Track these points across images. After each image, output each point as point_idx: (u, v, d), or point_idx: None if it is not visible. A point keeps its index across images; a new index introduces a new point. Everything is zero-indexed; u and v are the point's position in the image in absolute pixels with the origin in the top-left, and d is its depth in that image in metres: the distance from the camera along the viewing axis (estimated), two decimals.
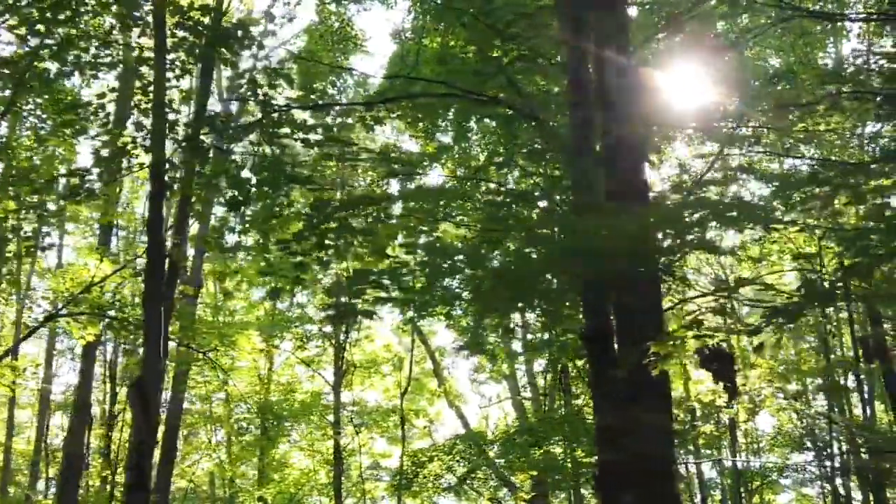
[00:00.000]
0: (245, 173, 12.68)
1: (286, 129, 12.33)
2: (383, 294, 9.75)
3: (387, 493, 33.36)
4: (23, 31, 13.85)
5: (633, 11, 18.34)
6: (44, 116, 17.72)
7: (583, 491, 25.82)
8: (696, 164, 17.69)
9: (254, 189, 12.17)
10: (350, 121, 13.69)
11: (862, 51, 17.61)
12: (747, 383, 24.94)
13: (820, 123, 16.97)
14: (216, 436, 35.55)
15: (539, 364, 30.65)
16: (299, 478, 34.67)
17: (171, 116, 13.56)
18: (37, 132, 18.05)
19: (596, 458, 12.12)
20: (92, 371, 23.35)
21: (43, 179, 15.23)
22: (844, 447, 23.68)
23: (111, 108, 15.73)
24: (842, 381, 28.23)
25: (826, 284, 7.58)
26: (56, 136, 16.64)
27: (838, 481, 24.64)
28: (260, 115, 12.65)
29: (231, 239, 14.18)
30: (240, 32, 13.66)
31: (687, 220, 8.49)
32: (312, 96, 13.21)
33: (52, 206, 16.41)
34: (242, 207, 12.42)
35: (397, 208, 13.18)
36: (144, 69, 13.76)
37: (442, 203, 14.54)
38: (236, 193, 12.32)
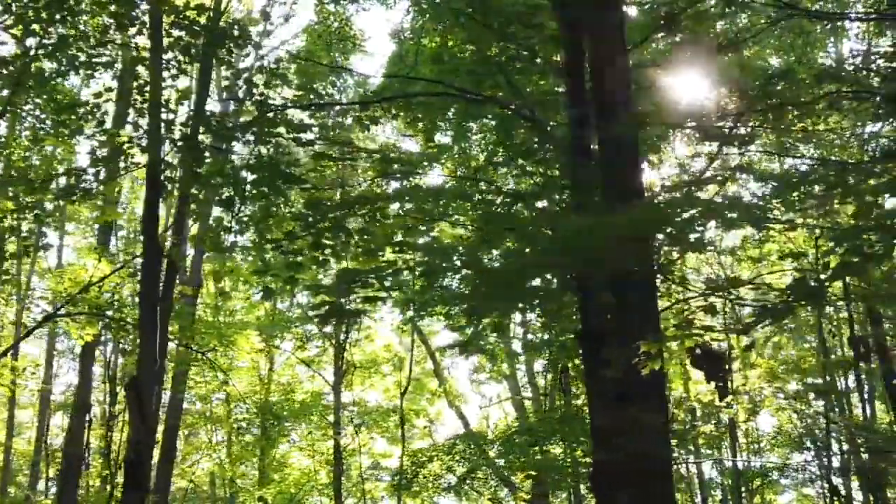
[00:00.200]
0: (243, 173, 12.68)
1: (281, 129, 12.31)
2: (371, 293, 9.72)
3: (387, 494, 33.34)
4: (18, 30, 13.84)
5: (632, 11, 18.35)
6: (42, 116, 17.72)
7: (583, 491, 25.79)
8: (696, 163, 17.69)
9: (249, 188, 12.14)
10: (346, 120, 13.68)
11: (860, 50, 17.58)
12: (747, 383, 24.90)
13: (819, 123, 16.96)
14: (216, 436, 35.55)
15: (540, 364, 30.63)
16: (300, 478, 34.67)
17: (168, 116, 13.54)
18: (36, 132, 18.06)
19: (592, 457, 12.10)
20: (91, 371, 23.36)
21: (40, 179, 15.23)
22: (845, 447, 23.64)
23: (109, 107, 15.74)
24: (842, 381, 28.24)
25: (813, 283, 7.54)
26: (52, 135, 16.63)
27: (838, 481, 24.60)
28: (256, 115, 12.62)
29: (229, 239, 14.15)
30: (236, 32, 13.63)
31: (677, 219, 8.47)
32: (308, 95, 13.13)
33: (49, 206, 16.41)
34: (238, 207, 12.40)
35: (396, 208, 13.21)
36: (140, 69, 13.75)
37: (442, 203, 14.56)
38: (232, 193, 12.31)
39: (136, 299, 19.94)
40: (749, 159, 18.43)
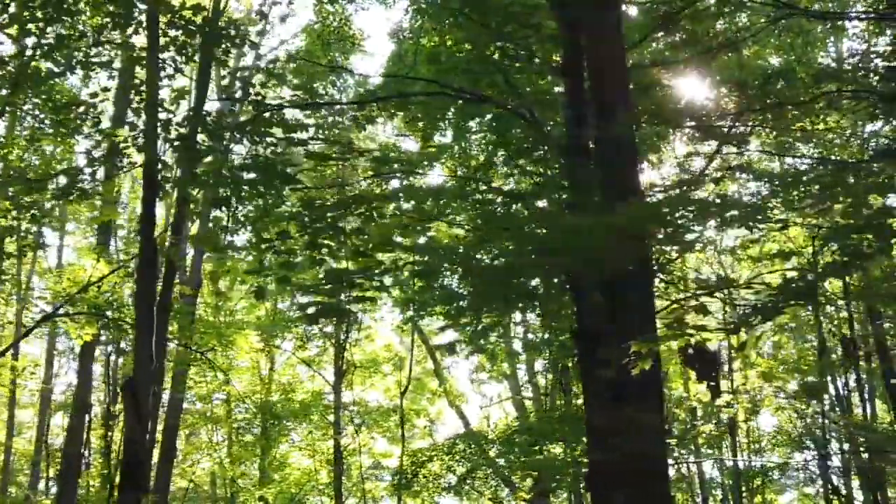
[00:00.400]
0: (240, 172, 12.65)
1: (276, 129, 12.29)
2: (360, 293, 9.70)
3: (387, 494, 33.35)
4: (15, 30, 13.83)
5: (632, 11, 18.32)
6: (41, 116, 17.72)
7: (583, 491, 25.77)
8: (695, 163, 17.67)
9: (245, 188, 12.13)
10: (344, 120, 13.67)
11: (859, 50, 17.56)
12: (747, 383, 24.89)
13: (818, 123, 16.95)
14: (217, 436, 35.55)
15: (540, 363, 30.63)
16: (300, 478, 34.69)
17: (165, 116, 13.53)
18: (34, 131, 18.05)
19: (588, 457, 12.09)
20: (91, 371, 23.37)
21: (36, 179, 15.23)
22: (845, 446, 23.63)
23: (107, 107, 15.74)
24: (841, 381, 28.19)
25: (802, 283, 7.52)
26: (51, 135, 16.63)
27: (836, 480, 24.59)
28: (252, 115, 12.61)
29: (227, 238, 14.15)
30: (232, 32, 13.62)
31: (669, 218, 8.46)
32: (305, 95, 13.12)
33: (47, 206, 16.41)
34: (235, 207, 12.39)
35: (393, 208, 13.19)
36: (137, 68, 13.76)
37: (442, 202, 14.54)
38: (228, 192, 12.30)
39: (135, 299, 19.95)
40: (748, 159, 18.43)
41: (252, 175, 12.28)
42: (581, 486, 24.10)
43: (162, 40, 13.68)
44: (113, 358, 27.58)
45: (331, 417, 32.07)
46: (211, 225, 24.17)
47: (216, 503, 36.78)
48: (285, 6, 26.43)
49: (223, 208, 12.35)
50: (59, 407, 34.34)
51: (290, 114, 13.13)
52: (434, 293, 12.30)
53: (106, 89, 14.39)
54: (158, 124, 13.25)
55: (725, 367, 28.04)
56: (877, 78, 15.04)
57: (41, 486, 33.29)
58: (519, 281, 10.78)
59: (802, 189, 9.70)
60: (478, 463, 25.98)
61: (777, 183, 10.66)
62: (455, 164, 21.37)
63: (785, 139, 17.89)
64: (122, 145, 13.83)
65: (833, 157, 18.37)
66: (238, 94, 13.61)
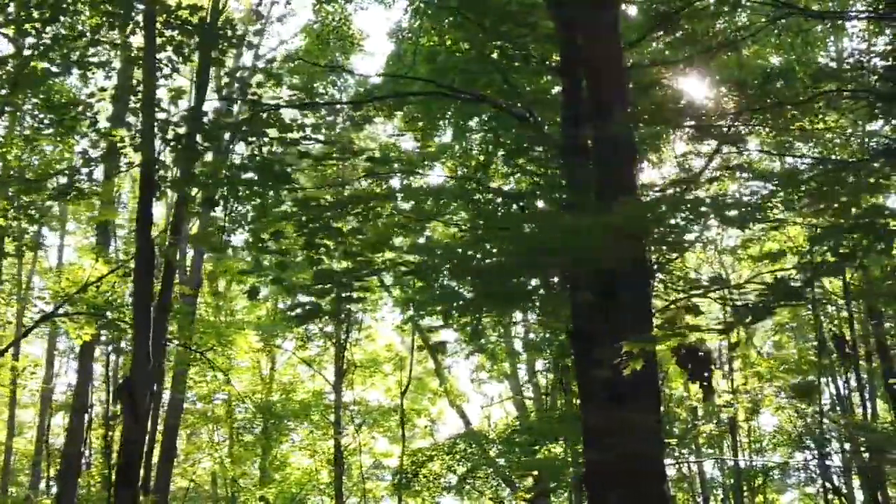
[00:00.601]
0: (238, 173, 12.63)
1: (273, 129, 12.27)
2: (350, 293, 9.70)
3: (387, 493, 33.35)
4: (11, 30, 13.83)
5: (632, 10, 18.30)
6: (41, 116, 17.72)
7: (584, 490, 25.74)
8: (695, 162, 17.66)
9: (242, 188, 12.12)
10: (340, 120, 13.65)
11: (858, 49, 17.53)
12: (747, 382, 24.89)
13: (817, 122, 16.93)
14: (217, 435, 35.57)
15: (541, 363, 30.62)
16: (301, 477, 34.69)
17: (162, 116, 13.51)
18: (33, 131, 18.04)
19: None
20: (90, 371, 23.39)
21: (35, 178, 15.23)
22: (846, 446, 23.61)
23: (104, 107, 15.71)
24: (842, 381, 28.16)
25: (792, 283, 7.52)
26: (49, 135, 16.62)
27: (837, 480, 24.58)
28: (249, 115, 12.60)
29: (224, 238, 14.14)
30: (229, 32, 13.61)
31: (660, 218, 8.45)
32: (302, 95, 13.12)
33: (51, 206, 16.41)
34: (231, 207, 12.39)
35: (392, 207, 13.19)
36: (135, 68, 13.76)
37: (441, 202, 14.54)
38: (225, 192, 12.30)
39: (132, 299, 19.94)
40: (748, 158, 18.42)
41: (249, 175, 12.28)
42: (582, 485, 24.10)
43: (159, 40, 13.66)
44: (113, 358, 27.61)
45: (331, 417, 32.07)
46: (210, 224, 24.21)
47: (217, 503, 36.79)
48: (283, 6, 26.53)
49: (219, 208, 12.33)
50: (59, 407, 34.34)
51: (291, 114, 13.15)
52: (434, 293, 12.28)
53: (103, 89, 14.37)
54: (155, 124, 13.22)
55: (726, 367, 28.10)
56: (875, 77, 15.04)
57: (42, 486, 33.29)
58: (519, 281, 10.77)
59: (802, 189, 9.69)
60: (478, 463, 25.99)
61: (776, 182, 10.63)
62: (455, 163, 21.36)
63: (784, 139, 17.88)
64: (119, 145, 13.80)
65: (833, 157, 18.34)
66: (235, 95, 13.54)
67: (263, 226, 12.23)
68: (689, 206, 8.88)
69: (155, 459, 24.85)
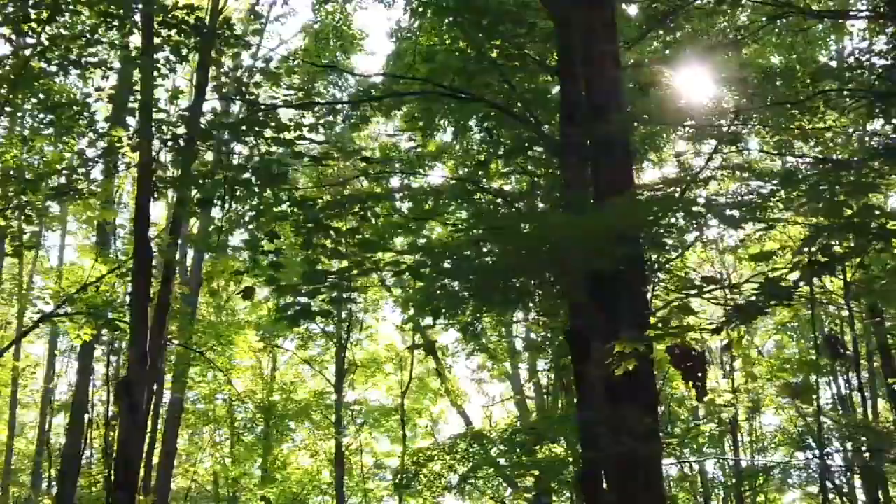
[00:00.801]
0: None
1: (266, 128, 12.26)
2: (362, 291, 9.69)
3: (388, 493, 33.36)
4: (8, 30, 13.82)
5: (632, 10, 18.28)
6: (41, 117, 17.72)
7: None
8: (695, 161, 17.64)
9: (239, 188, 12.11)
10: (336, 120, 13.64)
11: (858, 49, 17.49)
12: (754, 382, 24.87)
13: (817, 122, 16.91)
14: (219, 435, 35.58)
15: (543, 363, 30.61)
16: (302, 477, 34.69)
17: (160, 116, 13.50)
18: (33, 131, 18.06)
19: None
20: (90, 371, 23.38)
21: (34, 177, 15.20)
22: (847, 445, 23.58)
23: (102, 107, 15.72)
24: (844, 380, 28.16)
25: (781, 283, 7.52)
26: (48, 135, 16.63)
27: (838, 480, 24.53)
28: (245, 115, 12.60)
29: (221, 238, 14.14)
30: (227, 32, 13.60)
31: (651, 218, 8.43)
32: (299, 94, 13.11)
33: (52, 205, 16.39)
34: (228, 207, 12.37)
35: (392, 207, 13.18)
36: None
37: (441, 202, 14.53)
38: (222, 192, 12.28)
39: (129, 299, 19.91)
40: (747, 158, 18.41)
41: (245, 175, 12.26)
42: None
43: (157, 40, 13.66)
44: (114, 358, 27.61)
45: (332, 417, 32.07)
46: (209, 225, 24.19)
47: (219, 503, 36.80)
48: (280, 6, 26.56)
49: (217, 208, 12.32)
50: (60, 407, 34.37)
51: (290, 114, 13.14)
52: (434, 292, 12.25)
53: (100, 89, 14.38)
54: (153, 125, 13.21)
55: (727, 367, 28.08)
56: (874, 77, 15.03)
57: (44, 486, 33.32)
58: (519, 281, 10.75)
59: (801, 189, 9.66)
60: (479, 462, 25.95)
61: (775, 182, 10.60)
62: (456, 163, 21.35)
63: (783, 138, 17.86)
64: (117, 145, 13.80)
65: (834, 157, 18.30)
66: (232, 94, 13.53)
67: (261, 226, 12.22)
68: (681, 205, 8.86)
69: (155, 459, 24.87)
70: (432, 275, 10.44)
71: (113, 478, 13.12)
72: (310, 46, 25.67)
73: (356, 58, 29.92)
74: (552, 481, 24.15)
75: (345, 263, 10.49)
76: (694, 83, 17.23)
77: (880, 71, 15.00)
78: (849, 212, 7.43)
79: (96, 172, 15.02)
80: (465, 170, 20.18)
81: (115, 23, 13.79)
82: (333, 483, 31.76)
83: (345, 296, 10.27)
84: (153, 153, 13.45)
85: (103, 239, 23.88)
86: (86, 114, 14.17)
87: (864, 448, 22.12)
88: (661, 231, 8.96)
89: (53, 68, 14.28)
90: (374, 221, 12.05)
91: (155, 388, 21.57)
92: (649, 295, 11.03)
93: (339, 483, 30.80)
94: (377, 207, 12.17)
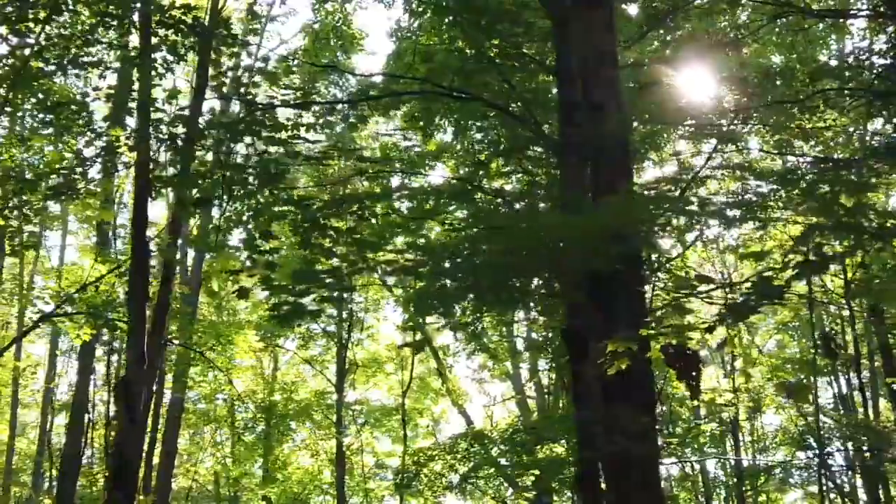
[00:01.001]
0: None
1: (263, 128, 12.24)
2: (326, 294, 9.68)
3: (389, 493, 33.35)
4: (5, 29, 13.81)
5: (632, 9, 18.27)
6: (41, 116, 17.71)
7: None
8: (698, 161, 17.61)
9: (236, 187, 12.11)
10: (334, 119, 13.62)
11: (858, 48, 17.48)
12: (748, 382, 24.84)
13: (818, 121, 16.89)
14: (220, 435, 35.59)
15: (544, 362, 30.61)
16: (303, 477, 34.70)
17: (158, 116, 13.49)
18: (33, 131, 18.05)
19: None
20: (90, 370, 23.39)
21: (35, 177, 15.20)
22: (848, 445, 23.56)
23: (100, 106, 15.71)
24: (845, 379, 28.15)
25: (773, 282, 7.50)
26: (42, 135, 16.62)
27: (839, 479, 24.54)
28: (242, 115, 12.60)
29: (219, 238, 14.11)
30: (224, 31, 13.59)
31: (644, 217, 8.42)
32: (297, 94, 13.09)
33: (52, 205, 16.38)
34: (225, 206, 12.36)
35: (395, 206, 13.17)
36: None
37: (442, 201, 14.50)
38: (221, 191, 12.28)
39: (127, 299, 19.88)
40: (747, 157, 18.38)
41: (244, 175, 12.25)
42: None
43: (154, 40, 13.65)
44: (115, 357, 27.62)
45: (333, 417, 32.08)
46: (202, 224, 24.22)
47: (220, 503, 36.82)
48: (278, 6, 26.56)
49: (213, 208, 12.33)
50: (61, 407, 34.41)
51: (289, 113, 13.12)
52: (432, 291, 12.23)
53: (97, 88, 14.38)
54: (150, 124, 13.21)
55: (728, 367, 28.08)
56: (873, 76, 15.01)
57: (46, 485, 33.34)
58: (519, 280, 10.74)
59: (797, 188, 9.64)
60: (480, 462, 25.94)
61: (772, 181, 10.58)
62: (457, 162, 21.34)
63: (784, 137, 17.84)
64: (115, 145, 13.79)
65: (834, 157, 18.29)
66: (230, 94, 13.52)
67: (259, 225, 12.21)
68: (674, 204, 8.85)
69: (156, 459, 24.88)
70: (428, 274, 10.43)
71: (109, 478, 13.10)
72: (310, 46, 25.65)
73: (357, 58, 29.99)
74: (553, 481, 24.15)
75: (338, 262, 10.49)
76: (694, 82, 17.19)
77: (879, 70, 14.99)
78: (841, 211, 7.40)
79: (94, 172, 14.98)
80: (466, 169, 20.17)
81: (114, 23, 13.78)
82: (334, 483, 31.75)
83: (338, 294, 10.25)
84: (151, 153, 13.43)
85: (104, 239, 23.88)
86: (84, 113, 14.15)
87: (864, 447, 22.11)
88: (656, 230, 8.94)
89: (51, 68, 14.27)
90: (372, 221, 12.05)
91: (155, 387, 21.57)
92: (649, 295, 11.01)
93: (340, 483, 30.79)
94: (376, 207, 12.17)
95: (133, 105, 13.88)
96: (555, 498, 27.22)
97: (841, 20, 19.97)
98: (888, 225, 8.04)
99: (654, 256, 12.56)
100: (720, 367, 29.74)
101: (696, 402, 23.44)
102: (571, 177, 12.29)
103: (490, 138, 19.17)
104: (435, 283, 10.49)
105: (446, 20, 16.55)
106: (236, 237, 17.67)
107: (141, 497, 19.96)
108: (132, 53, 14.43)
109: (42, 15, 13.57)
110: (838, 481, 24.68)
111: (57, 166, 16.06)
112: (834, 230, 7.41)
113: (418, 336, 32.80)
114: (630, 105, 14.54)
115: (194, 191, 13.17)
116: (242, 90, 12.98)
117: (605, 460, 10.17)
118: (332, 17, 25.22)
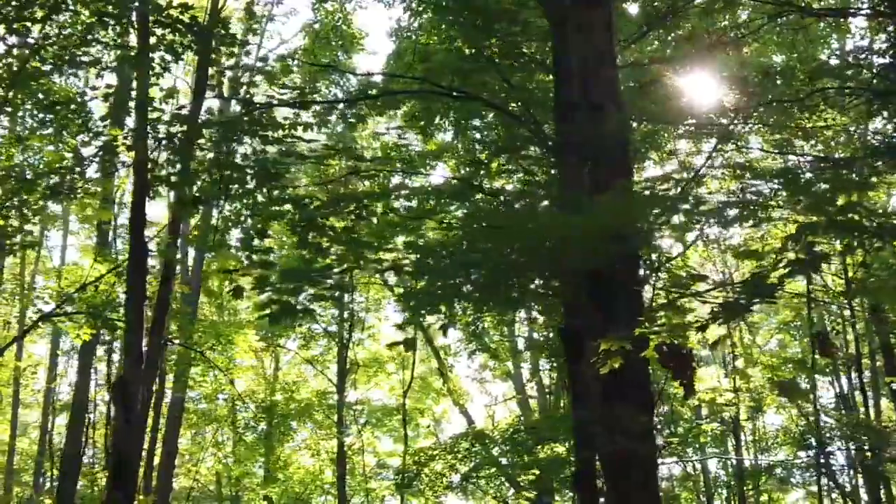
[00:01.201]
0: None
1: (259, 127, 12.23)
2: (318, 292, 9.66)
3: (389, 493, 33.33)
4: (2, 29, 13.80)
5: (633, 9, 18.24)
6: (40, 116, 17.70)
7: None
8: (699, 160, 17.61)
9: (233, 187, 12.09)
10: (332, 119, 13.62)
11: (859, 47, 17.46)
12: (749, 381, 24.81)
13: (818, 120, 16.88)
14: (221, 435, 35.59)
15: (545, 362, 30.60)
16: (304, 477, 34.70)
17: (156, 115, 13.47)
18: (32, 131, 18.04)
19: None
20: (90, 370, 23.39)
21: (34, 176, 15.19)
22: (848, 444, 23.55)
23: (97, 106, 15.69)
24: (846, 379, 28.11)
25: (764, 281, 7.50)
26: (40, 135, 16.61)
27: (840, 478, 24.52)
28: (239, 114, 12.60)
29: (217, 237, 14.09)
30: (222, 31, 13.58)
31: (637, 216, 8.41)
32: (295, 94, 13.09)
33: (53, 205, 16.37)
34: (223, 205, 12.35)
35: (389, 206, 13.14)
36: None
37: (442, 201, 14.47)
38: (219, 190, 12.26)
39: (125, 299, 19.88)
40: (747, 156, 18.37)
41: (241, 174, 12.23)
42: None
43: (152, 40, 13.64)
44: (116, 357, 27.63)
45: (335, 417, 32.08)
46: (200, 223, 24.20)
47: (221, 502, 36.82)
48: (274, 6, 26.57)
49: (209, 207, 12.32)
50: (63, 407, 34.42)
51: (287, 113, 13.10)
52: (434, 291, 12.21)
53: (94, 87, 14.37)
54: (148, 123, 13.19)
55: (729, 367, 28.06)
56: (872, 75, 15.00)
57: (48, 485, 33.34)
58: (519, 280, 10.71)
59: (792, 186, 9.63)
60: (482, 462, 25.94)
61: (767, 180, 10.57)
62: (458, 162, 21.33)
63: (783, 137, 17.83)
64: (113, 144, 13.78)
65: (835, 156, 18.27)
66: (228, 94, 13.51)
67: (256, 224, 12.19)
68: (668, 203, 8.84)
69: (157, 459, 24.88)
70: (416, 273, 10.43)
71: (107, 478, 13.08)
72: (310, 46, 25.64)
73: (358, 57, 29.98)
74: (553, 480, 24.15)
75: (329, 261, 10.47)
76: (694, 82, 17.17)
77: (879, 69, 14.97)
78: (832, 209, 7.39)
79: (92, 171, 14.97)
80: (467, 169, 20.16)
81: (112, 22, 13.77)
82: (336, 483, 31.74)
83: (331, 293, 10.22)
84: (148, 152, 13.41)
85: (104, 239, 23.88)
86: (82, 112, 14.14)
87: (865, 447, 22.09)
88: (653, 228, 8.92)
89: (48, 67, 14.26)
90: (369, 220, 12.03)
91: (156, 387, 21.58)
92: (650, 294, 11.00)
93: (342, 483, 30.79)
94: (374, 207, 12.15)
95: (132, 104, 13.87)
96: (556, 497, 27.22)
97: (841, 19, 19.95)
98: (885, 223, 8.03)
99: (654, 256, 12.54)
100: (721, 367, 29.73)
101: (692, 402, 23.42)
102: (570, 177, 12.24)
103: (490, 138, 19.17)
104: (434, 282, 10.49)
105: (446, 19, 16.53)
106: (236, 237, 17.71)
107: (141, 497, 19.96)
108: (130, 53, 14.42)
109: (40, 14, 13.55)
110: (840, 481, 24.65)
111: (57, 166, 16.07)
112: (826, 229, 7.39)
113: (420, 335, 32.92)
114: (630, 105, 14.53)
115: (193, 190, 13.14)
116: (240, 89, 12.98)
117: (603, 460, 10.16)
118: (332, 17, 25.22)
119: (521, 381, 33.65)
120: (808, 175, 8.81)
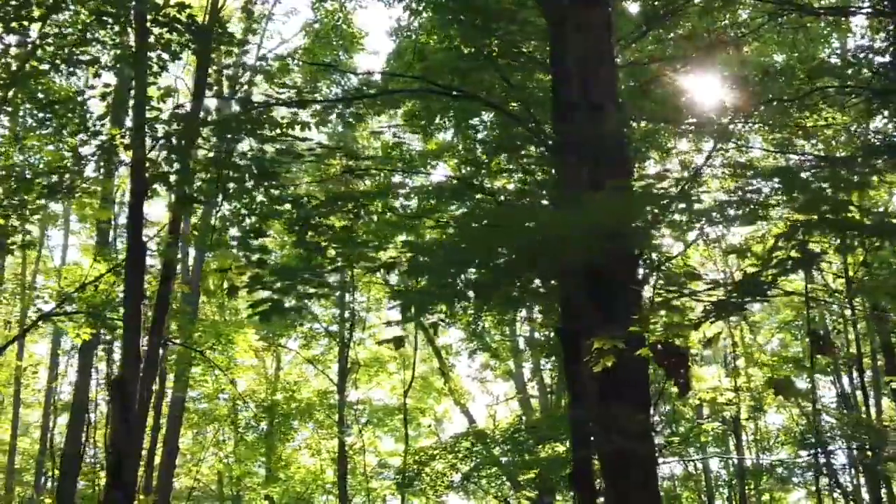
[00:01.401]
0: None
1: (257, 126, 12.21)
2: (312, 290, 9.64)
3: (390, 492, 33.34)
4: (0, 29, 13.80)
5: (633, 8, 18.22)
6: (39, 116, 17.70)
7: None
8: (699, 159, 17.56)
9: (231, 186, 12.08)
10: (331, 118, 13.60)
11: (859, 46, 17.45)
12: (749, 381, 24.82)
13: (818, 119, 16.86)
14: (222, 435, 35.59)
15: (545, 362, 30.60)
16: (305, 476, 34.71)
17: (153, 114, 13.46)
18: (28, 130, 18.04)
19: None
20: (90, 370, 23.37)
21: (34, 176, 15.18)
22: (848, 444, 23.54)
23: (96, 105, 15.70)
24: (847, 379, 28.08)
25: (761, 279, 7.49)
26: (39, 134, 16.61)
27: (842, 478, 24.51)
28: (238, 113, 12.59)
29: (215, 236, 14.10)
30: (220, 30, 13.57)
31: (631, 214, 8.39)
32: (293, 93, 13.09)
33: (54, 205, 16.36)
34: (220, 204, 12.34)
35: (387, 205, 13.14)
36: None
37: (442, 200, 14.47)
38: (215, 189, 12.25)
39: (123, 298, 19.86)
40: (748, 156, 18.35)
41: (239, 173, 12.22)
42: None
43: (150, 38, 13.63)
44: (116, 357, 27.62)
45: (336, 416, 32.09)
46: (198, 222, 24.20)
47: (223, 502, 36.83)
48: (272, 5, 26.57)
49: (206, 206, 12.31)
50: (63, 406, 34.42)
51: (285, 111, 13.08)
52: (433, 291, 12.19)
53: (91, 87, 14.37)
54: (146, 122, 13.18)
55: (730, 366, 28.05)
56: (872, 74, 14.99)
57: (48, 485, 33.35)
58: (518, 280, 10.69)
59: (788, 186, 9.60)
60: (483, 461, 25.94)
61: (764, 179, 10.55)
62: (459, 161, 21.31)
63: (783, 136, 17.81)
64: (112, 143, 13.78)
65: (835, 155, 18.25)
66: (227, 93, 13.51)
67: (254, 223, 12.19)
68: (663, 201, 8.82)
69: (158, 459, 24.88)
70: (416, 272, 10.42)
71: (105, 479, 13.06)
72: (310, 45, 25.65)
73: (358, 57, 29.96)
74: (554, 480, 24.13)
75: (329, 259, 10.46)
76: (694, 81, 17.16)
77: (878, 68, 14.97)
78: (825, 207, 7.37)
79: (90, 170, 14.96)
80: (468, 168, 20.14)
81: (110, 21, 13.77)
82: (337, 482, 31.75)
83: (326, 291, 10.21)
84: (147, 151, 13.39)
85: (104, 238, 23.88)
86: (79, 111, 14.13)
87: (866, 447, 22.09)
88: (646, 226, 8.90)
89: (46, 66, 14.26)
90: (368, 219, 12.03)
91: (156, 387, 21.57)
92: (650, 294, 10.98)
93: (343, 482, 30.80)
94: (372, 206, 12.14)
95: (131, 103, 13.87)
96: (557, 497, 27.21)
97: (842, 18, 19.92)
98: (883, 222, 8.01)
99: (654, 255, 12.52)
100: (722, 367, 29.73)
101: (693, 401, 23.40)
102: (570, 176, 12.22)
103: (490, 137, 19.14)
104: (431, 281, 10.47)
105: (445, 18, 16.51)
106: (235, 236, 17.71)
107: (142, 496, 19.96)
108: (128, 52, 14.41)
109: (38, 13, 13.55)
110: (841, 480, 24.63)
111: (56, 165, 16.07)
112: (818, 227, 7.37)
113: (421, 334, 32.90)
114: (630, 104, 14.51)
115: (191, 189, 13.14)
116: (238, 88, 12.97)
117: (600, 459, 10.15)
118: (332, 17, 25.23)
119: (522, 381, 33.64)
120: (806, 174, 8.74)
